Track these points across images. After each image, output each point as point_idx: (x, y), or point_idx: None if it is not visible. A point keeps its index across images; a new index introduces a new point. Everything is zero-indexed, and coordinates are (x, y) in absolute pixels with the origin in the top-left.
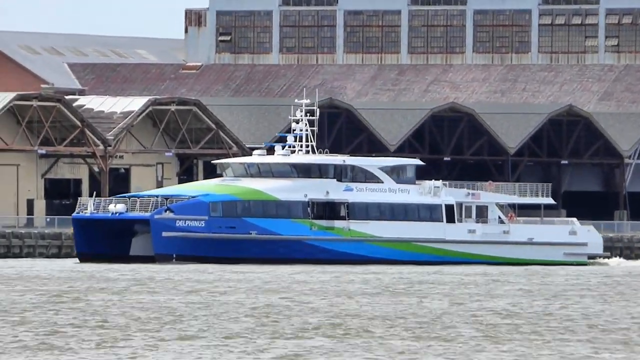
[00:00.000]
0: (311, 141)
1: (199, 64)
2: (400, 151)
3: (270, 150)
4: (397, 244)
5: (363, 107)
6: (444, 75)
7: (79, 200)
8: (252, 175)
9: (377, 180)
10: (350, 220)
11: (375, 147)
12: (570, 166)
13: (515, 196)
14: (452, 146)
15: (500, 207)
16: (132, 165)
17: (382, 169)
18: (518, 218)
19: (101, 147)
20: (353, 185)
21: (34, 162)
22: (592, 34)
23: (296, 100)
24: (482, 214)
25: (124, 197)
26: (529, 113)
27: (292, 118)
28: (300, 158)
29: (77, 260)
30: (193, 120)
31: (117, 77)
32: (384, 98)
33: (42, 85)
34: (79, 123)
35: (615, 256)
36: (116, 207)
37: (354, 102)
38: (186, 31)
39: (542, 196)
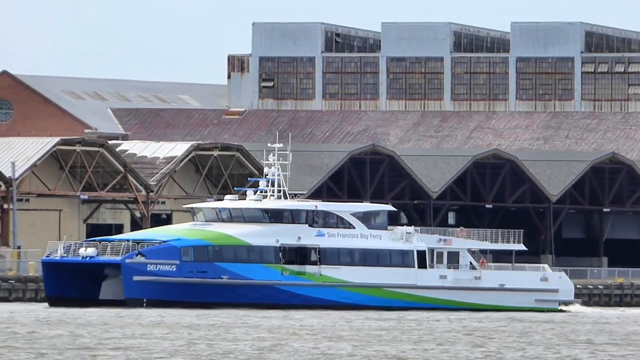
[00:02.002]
0: (283, 186)
1: (242, 109)
2: (442, 198)
3: (242, 195)
4: (369, 289)
5: (405, 153)
6: (486, 122)
7: (48, 243)
8: (223, 220)
9: (348, 225)
10: (321, 266)
11: (417, 194)
12: (612, 214)
13: (487, 242)
14: (494, 193)
15: (472, 253)
16: (174, 211)
17: (354, 214)
18: (489, 264)
19: (143, 192)
20: (325, 230)
21: (76, 207)
22: (635, 82)
23: (269, 144)
24: (453, 259)
25: (95, 240)
26: (572, 160)
27: (265, 162)
28: (272, 203)
29: (46, 304)
30: (236, 166)
31: (160, 122)
32: (426, 144)
33: (86, 130)
34: (121, 168)
35: None
36: (86, 251)
37: (396, 148)
38: (229, 77)
39: (514, 242)
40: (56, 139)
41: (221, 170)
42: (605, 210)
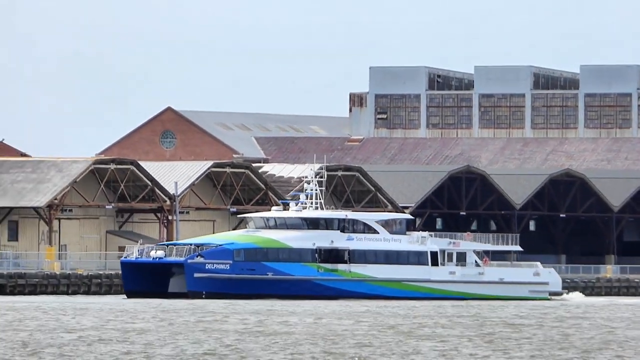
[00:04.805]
0: (319, 199)
1: (361, 137)
2: (524, 209)
3: (286, 206)
4: (390, 283)
5: (494, 172)
6: (560, 146)
7: (126, 247)
8: (270, 227)
9: (374, 231)
10: (351, 264)
11: (503, 206)
12: None
13: (489, 244)
14: (567, 205)
15: (477, 253)
16: None
17: (378, 222)
18: (492, 262)
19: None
20: (354, 235)
21: (227, 219)
22: None
23: (307, 165)
24: (461, 259)
25: (164, 245)
26: (631, 178)
27: (305, 179)
28: (310, 213)
29: (124, 296)
30: (356, 184)
31: (294, 148)
32: (511, 165)
33: (234, 155)
34: (263, 186)
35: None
36: (156, 253)
37: (487, 168)
38: (350, 110)
39: (512, 244)
40: (210, 162)
41: (344, 187)
42: None
